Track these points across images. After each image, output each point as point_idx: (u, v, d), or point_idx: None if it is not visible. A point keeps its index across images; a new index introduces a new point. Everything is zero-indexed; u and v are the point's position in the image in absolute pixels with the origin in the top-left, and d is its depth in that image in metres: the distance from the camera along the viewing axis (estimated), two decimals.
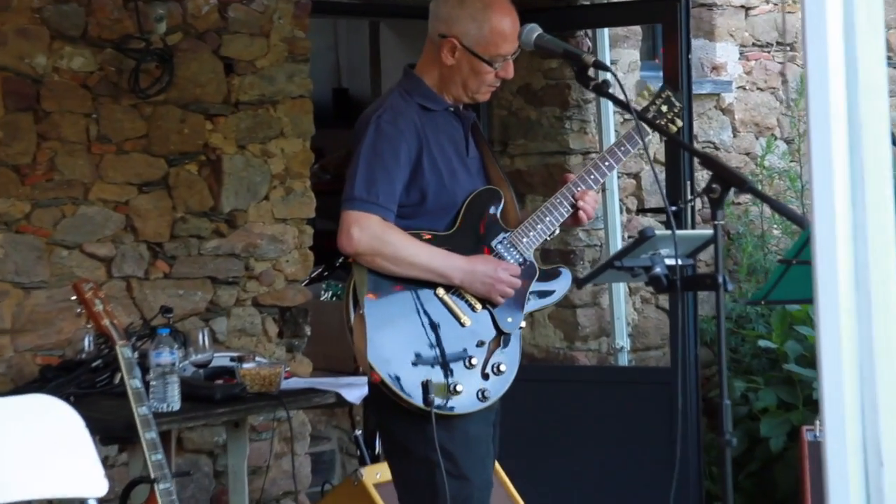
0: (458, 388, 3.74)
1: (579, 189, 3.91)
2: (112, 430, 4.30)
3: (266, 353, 5.68)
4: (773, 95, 7.59)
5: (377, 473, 4.70)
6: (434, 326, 3.77)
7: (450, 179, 3.85)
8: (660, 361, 6.92)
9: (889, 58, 6.93)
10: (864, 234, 1.97)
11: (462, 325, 3.80)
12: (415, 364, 3.73)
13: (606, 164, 3.96)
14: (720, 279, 3.06)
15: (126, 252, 5.42)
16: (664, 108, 4.06)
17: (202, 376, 4.82)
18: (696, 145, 6.78)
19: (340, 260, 7.00)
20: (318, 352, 6.10)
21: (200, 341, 4.96)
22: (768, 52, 7.57)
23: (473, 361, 3.78)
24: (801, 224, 3.41)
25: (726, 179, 3.12)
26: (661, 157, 6.40)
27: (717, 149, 7.34)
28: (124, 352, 4.11)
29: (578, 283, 3.91)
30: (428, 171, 3.81)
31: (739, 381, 6.46)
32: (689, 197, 5.95)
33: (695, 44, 6.71)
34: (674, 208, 5.67)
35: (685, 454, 5.80)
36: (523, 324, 3.92)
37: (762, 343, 6.56)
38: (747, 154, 7.49)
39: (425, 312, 3.78)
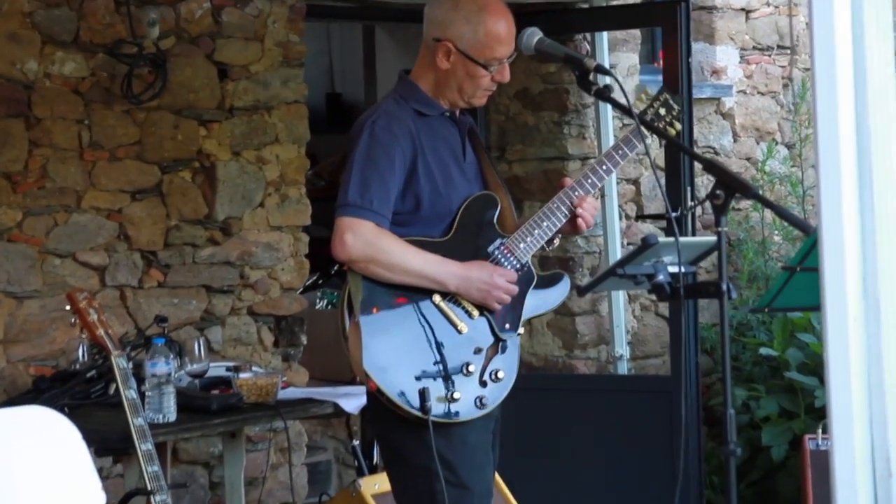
0: (456, 395, 3.72)
1: (577, 193, 3.87)
2: (107, 442, 4.29)
3: (262, 362, 5.64)
4: (774, 99, 7.55)
5: (376, 484, 4.70)
6: (431, 334, 3.74)
7: (445, 186, 3.82)
8: (660, 370, 6.88)
9: None
10: (872, 240, 1.95)
11: (459, 332, 3.77)
12: (411, 372, 3.69)
13: (604, 167, 3.91)
14: (724, 287, 3.02)
15: (119, 261, 5.39)
16: (662, 111, 4.00)
17: (198, 386, 4.79)
18: (695, 150, 6.73)
19: (336, 268, 6.96)
20: (314, 361, 6.06)
21: (196, 351, 4.94)
22: (769, 55, 7.53)
23: (471, 369, 3.75)
24: (806, 230, 3.37)
25: (730, 185, 3.09)
26: (661, 162, 6.36)
27: (717, 154, 7.30)
28: (119, 362, 4.12)
29: (580, 291, 3.88)
30: (423, 178, 3.78)
31: (741, 389, 6.42)
32: (691, 203, 5.90)
33: (695, 47, 6.68)
34: (675, 214, 5.62)
35: (686, 463, 5.76)
36: (521, 330, 3.88)
37: (763, 351, 6.53)
38: (748, 159, 7.45)
39: (422, 320, 3.74)
